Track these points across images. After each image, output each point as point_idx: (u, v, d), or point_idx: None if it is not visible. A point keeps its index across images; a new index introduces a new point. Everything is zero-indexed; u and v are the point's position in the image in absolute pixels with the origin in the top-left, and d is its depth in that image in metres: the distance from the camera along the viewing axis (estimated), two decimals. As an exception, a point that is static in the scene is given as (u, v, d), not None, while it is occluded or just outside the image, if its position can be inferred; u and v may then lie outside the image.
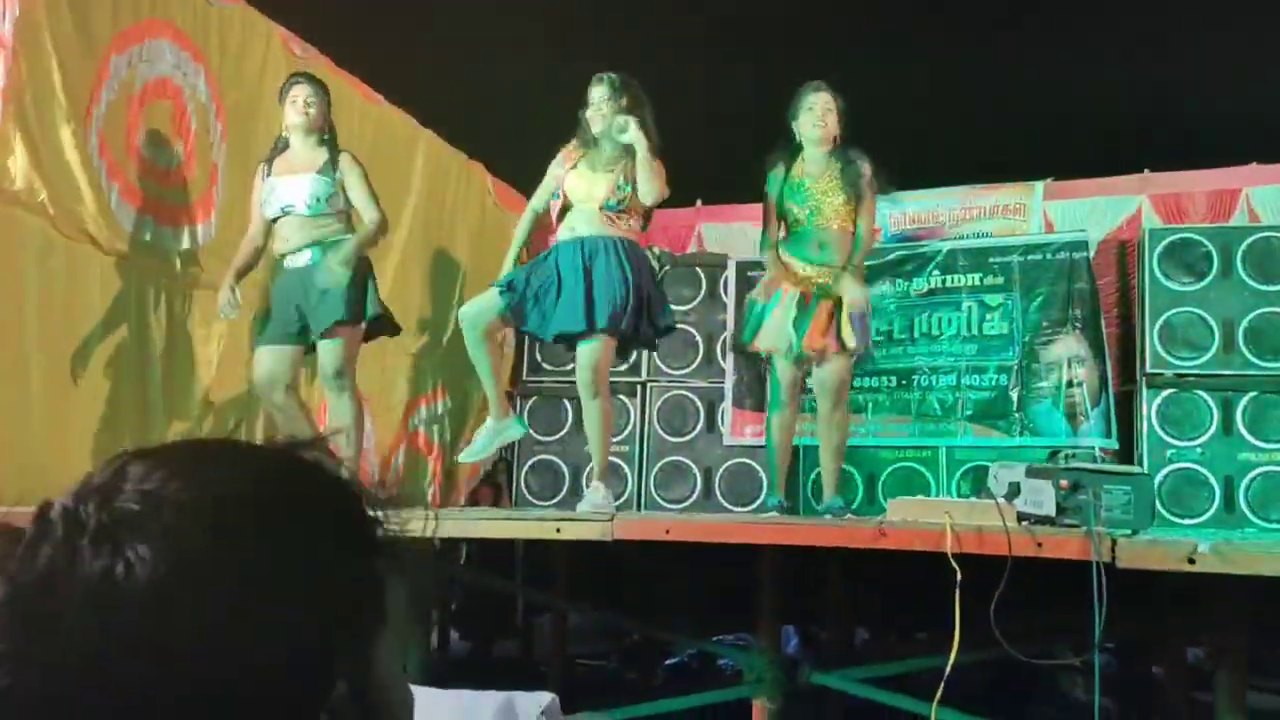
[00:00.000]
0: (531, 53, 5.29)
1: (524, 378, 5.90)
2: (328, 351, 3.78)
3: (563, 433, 5.72)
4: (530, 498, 5.70)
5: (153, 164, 3.88)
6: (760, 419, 5.50)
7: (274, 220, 3.83)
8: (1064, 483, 2.63)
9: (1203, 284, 4.88)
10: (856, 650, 5.24)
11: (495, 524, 3.52)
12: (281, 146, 3.90)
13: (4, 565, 0.56)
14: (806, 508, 5.13)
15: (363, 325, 3.85)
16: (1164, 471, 4.74)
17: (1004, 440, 5.09)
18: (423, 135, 5.45)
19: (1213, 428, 4.76)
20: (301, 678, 0.58)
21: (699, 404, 5.62)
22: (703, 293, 5.74)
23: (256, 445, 0.65)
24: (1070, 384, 5.05)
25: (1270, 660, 4.68)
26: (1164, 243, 4.96)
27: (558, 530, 3.11)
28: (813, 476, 5.20)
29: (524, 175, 5.77)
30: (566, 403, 5.65)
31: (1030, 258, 5.25)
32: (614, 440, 4.77)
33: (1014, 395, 5.15)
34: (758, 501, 5.39)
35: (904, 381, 5.35)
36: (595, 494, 3.83)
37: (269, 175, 3.85)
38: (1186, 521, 4.65)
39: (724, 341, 5.65)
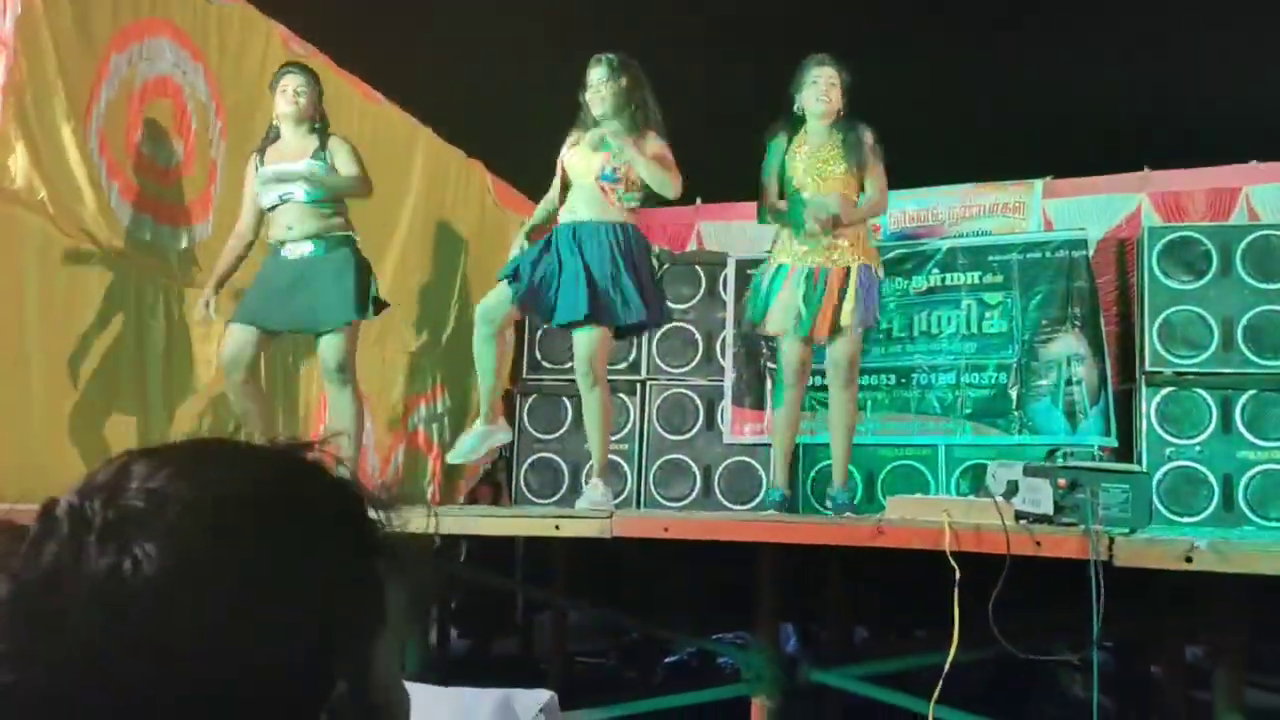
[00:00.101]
0: (531, 51, 5.29)
1: (523, 376, 5.90)
2: (330, 346, 3.78)
3: (562, 431, 5.72)
4: (530, 496, 5.71)
5: (152, 162, 3.89)
6: (760, 417, 5.51)
7: (271, 208, 3.81)
8: (1062, 481, 2.63)
9: (1202, 282, 4.88)
10: (855, 648, 5.24)
11: (495, 521, 3.52)
12: (273, 136, 3.88)
13: (7, 562, 0.56)
14: (806, 505, 5.13)
15: (363, 319, 3.86)
16: (1163, 469, 4.74)
17: (1003, 438, 5.09)
18: (422, 134, 5.45)
19: (1212, 426, 4.76)
20: (302, 678, 0.58)
21: (698, 402, 5.62)
22: (702, 291, 5.74)
23: (258, 445, 0.65)
24: (1069, 382, 5.05)
25: (1269, 658, 4.68)
26: (1163, 241, 4.97)
27: (557, 527, 3.11)
28: (812, 475, 5.22)
29: (524, 174, 5.79)
30: (566, 401, 5.65)
31: (1029, 256, 5.25)
32: (613, 439, 4.77)
33: (1013, 393, 5.15)
34: (757, 499, 5.39)
35: (903, 379, 5.35)
36: (594, 491, 3.83)
37: (262, 165, 3.84)
38: (1185, 520, 4.65)
39: (723, 340, 5.65)
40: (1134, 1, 5.24)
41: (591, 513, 3.30)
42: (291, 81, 3.82)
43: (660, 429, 5.63)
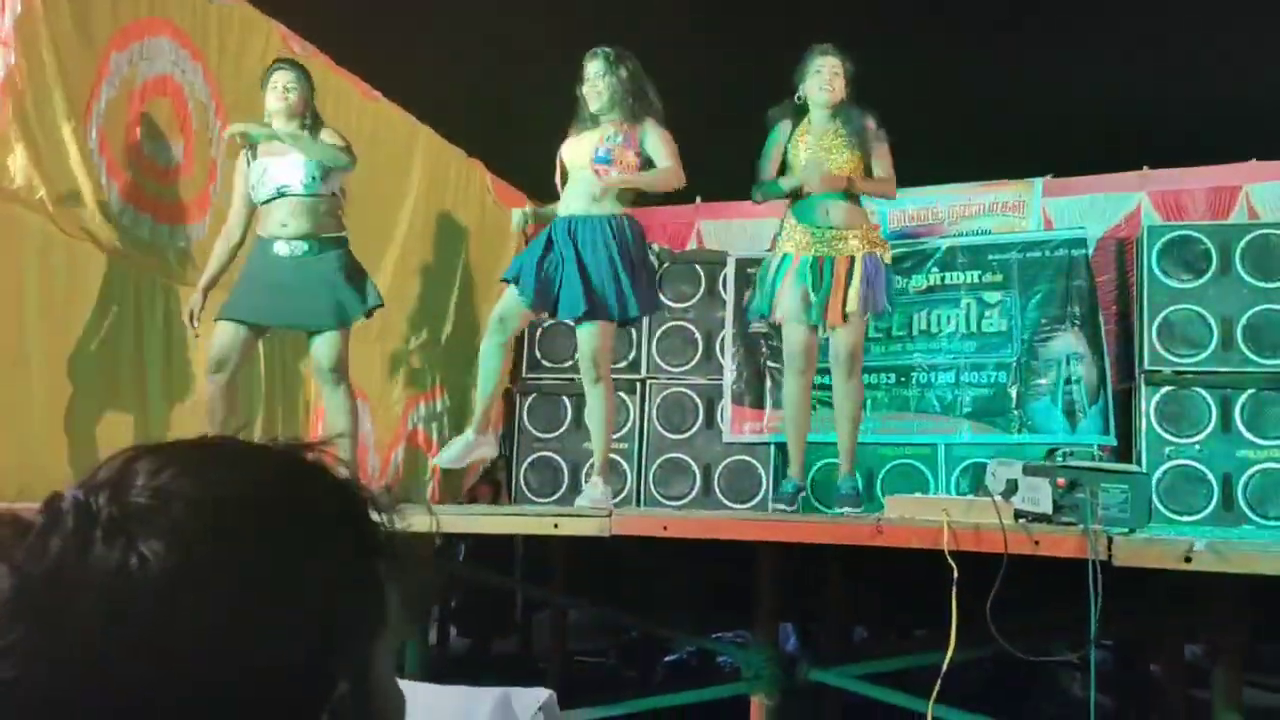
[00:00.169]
0: (531, 50, 5.29)
1: (524, 374, 5.90)
2: (323, 346, 3.77)
3: (562, 429, 5.72)
4: (529, 494, 5.71)
5: (152, 161, 3.89)
6: (759, 416, 5.52)
7: (266, 202, 3.78)
8: (1061, 480, 2.64)
9: (1201, 281, 4.88)
10: (855, 647, 5.24)
11: (494, 520, 3.52)
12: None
13: (11, 555, 0.56)
14: (806, 505, 5.12)
15: (353, 322, 3.84)
16: (1162, 469, 4.74)
17: (1003, 437, 5.09)
18: (422, 132, 5.45)
19: (1211, 425, 4.77)
20: (303, 679, 0.58)
21: (698, 401, 5.62)
22: (702, 290, 5.74)
23: (260, 445, 0.65)
24: (1069, 381, 5.06)
25: (1268, 658, 4.69)
26: (1163, 240, 4.97)
27: (555, 526, 3.11)
28: (812, 474, 5.21)
29: (524, 173, 5.78)
30: (565, 400, 5.66)
31: (1029, 255, 5.26)
32: (613, 437, 4.77)
33: (1013, 392, 5.15)
34: (757, 498, 5.40)
35: (903, 378, 5.36)
36: (594, 489, 3.82)
37: (254, 159, 3.82)
38: (1185, 519, 4.65)
39: (723, 339, 5.66)
40: (1134, 1, 5.23)
41: (590, 511, 3.30)
42: (282, 78, 3.80)
43: (660, 428, 5.64)
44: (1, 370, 3.26)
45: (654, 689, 4.72)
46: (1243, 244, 4.86)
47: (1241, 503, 4.65)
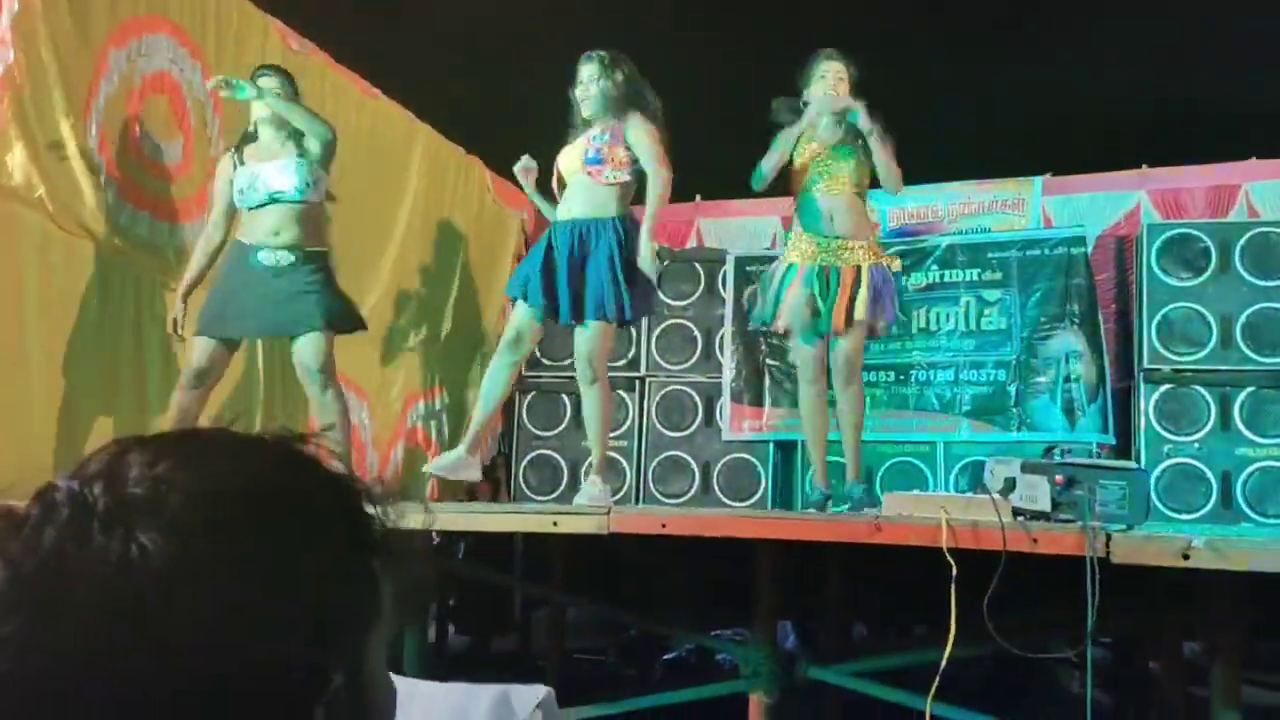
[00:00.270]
0: (531, 48, 5.28)
1: (523, 373, 5.89)
2: (309, 346, 3.69)
3: (561, 428, 5.72)
4: (529, 492, 5.71)
5: (151, 159, 3.88)
6: (759, 414, 5.52)
7: (255, 208, 3.72)
8: (1059, 478, 2.64)
9: (1201, 279, 4.88)
10: (854, 645, 5.24)
11: (493, 518, 3.52)
12: (250, 137, 3.83)
13: (5, 547, 0.56)
14: (807, 504, 5.13)
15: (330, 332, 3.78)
16: (1161, 466, 4.75)
17: (1002, 435, 5.09)
18: (421, 129, 5.45)
19: (1210, 423, 4.77)
20: (298, 672, 0.58)
21: (697, 399, 5.62)
22: (701, 288, 5.74)
23: (255, 437, 0.65)
24: (1068, 379, 5.06)
25: (1267, 655, 4.69)
26: (1162, 238, 4.97)
27: (554, 524, 3.11)
28: (810, 473, 5.21)
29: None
30: (565, 398, 5.65)
31: (1028, 253, 5.26)
32: (612, 435, 4.77)
33: (1012, 390, 5.15)
34: (756, 496, 5.40)
35: (902, 376, 5.36)
36: (593, 487, 3.81)
37: (241, 164, 3.76)
38: (1184, 517, 4.66)
39: (722, 336, 5.65)
40: (1133, 1, 5.23)
41: (589, 509, 3.30)
42: (269, 84, 3.74)
43: (659, 426, 5.64)
44: (0, 368, 3.26)
45: (653, 687, 4.73)
46: (1242, 242, 4.86)
47: (1240, 501, 4.66)
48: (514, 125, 4.17)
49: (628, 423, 5.63)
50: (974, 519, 2.61)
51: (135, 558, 0.54)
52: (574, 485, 5.23)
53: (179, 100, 3.99)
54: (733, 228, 6.17)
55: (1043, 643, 3.34)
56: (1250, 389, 4.74)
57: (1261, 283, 4.80)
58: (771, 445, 5.44)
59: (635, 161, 3.76)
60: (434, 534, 3.63)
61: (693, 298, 5.73)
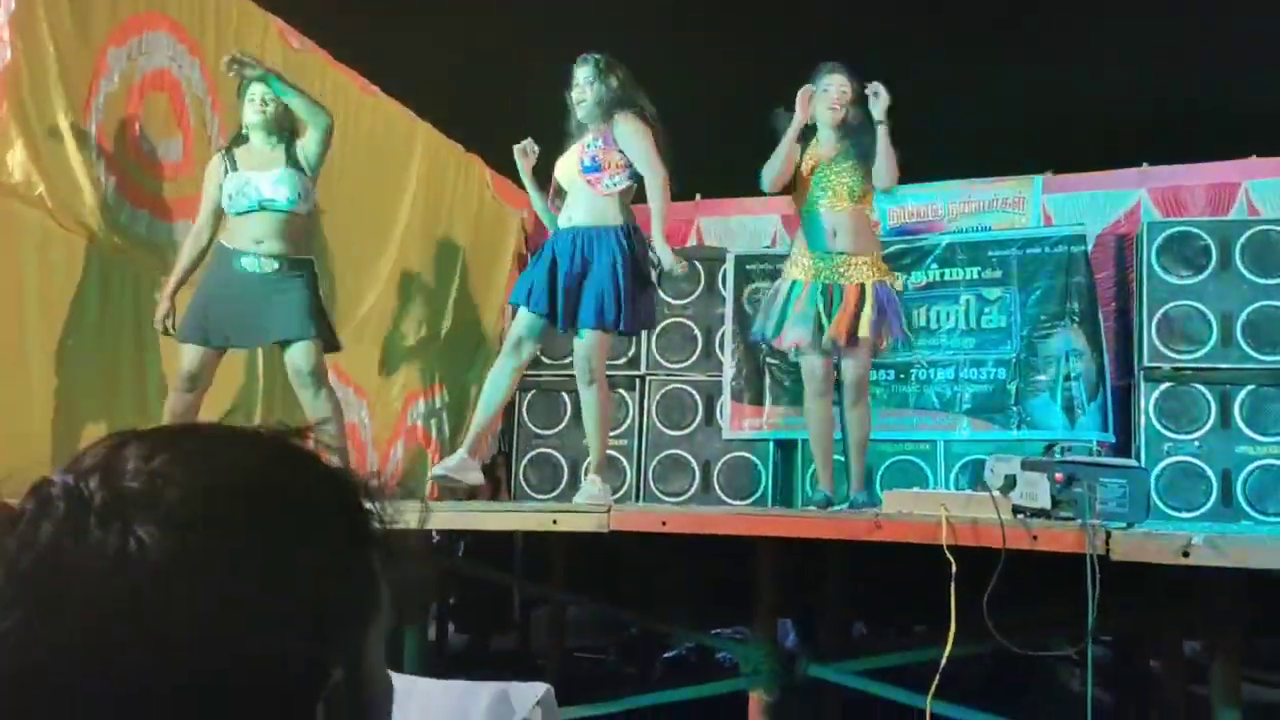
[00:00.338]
0: (531, 45, 5.28)
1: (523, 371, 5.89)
2: (300, 351, 3.68)
3: (561, 426, 5.72)
4: (529, 491, 5.71)
5: (151, 157, 3.88)
6: (759, 413, 5.52)
7: (243, 213, 3.68)
8: (1059, 476, 2.63)
9: (1201, 277, 4.88)
10: (854, 643, 5.25)
11: (492, 516, 3.52)
12: (240, 141, 3.79)
13: (0, 543, 0.55)
14: (808, 503, 5.13)
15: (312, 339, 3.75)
16: (1162, 465, 4.75)
17: (1002, 434, 5.09)
18: (420, 127, 5.44)
19: (1210, 421, 4.77)
20: (297, 668, 0.57)
21: (697, 397, 5.62)
22: (701, 287, 5.74)
23: (252, 431, 0.64)
24: (1068, 378, 5.06)
25: (1266, 653, 4.69)
26: (1162, 236, 4.97)
27: (554, 522, 3.11)
28: (810, 471, 5.21)
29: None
30: (565, 396, 5.65)
31: (1029, 251, 5.26)
32: (612, 434, 4.77)
33: (1012, 389, 5.15)
34: (756, 494, 5.40)
35: (902, 375, 5.36)
36: (592, 486, 3.82)
37: (234, 168, 3.72)
38: (1184, 515, 4.66)
39: (722, 335, 5.65)
40: (1134, 1, 5.23)
41: (589, 507, 3.30)
42: (259, 90, 3.69)
43: (659, 424, 5.64)
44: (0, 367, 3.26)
45: (653, 685, 4.73)
46: (1242, 240, 4.85)
47: (1240, 499, 4.66)
48: (514, 125, 4.16)
49: (628, 421, 5.63)
50: (974, 516, 2.61)
51: (132, 552, 0.54)
52: (574, 484, 5.23)
53: (178, 98, 3.99)
54: (733, 226, 6.17)
55: (1043, 640, 3.33)
56: (1250, 387, 4.74)
57: (1262, 281, 4.80)
58: (771, 444, 5.44)
59: (626, 164, 3.76)
60: (434, 532, 3.62)
61: (693, 296, 5.73)
